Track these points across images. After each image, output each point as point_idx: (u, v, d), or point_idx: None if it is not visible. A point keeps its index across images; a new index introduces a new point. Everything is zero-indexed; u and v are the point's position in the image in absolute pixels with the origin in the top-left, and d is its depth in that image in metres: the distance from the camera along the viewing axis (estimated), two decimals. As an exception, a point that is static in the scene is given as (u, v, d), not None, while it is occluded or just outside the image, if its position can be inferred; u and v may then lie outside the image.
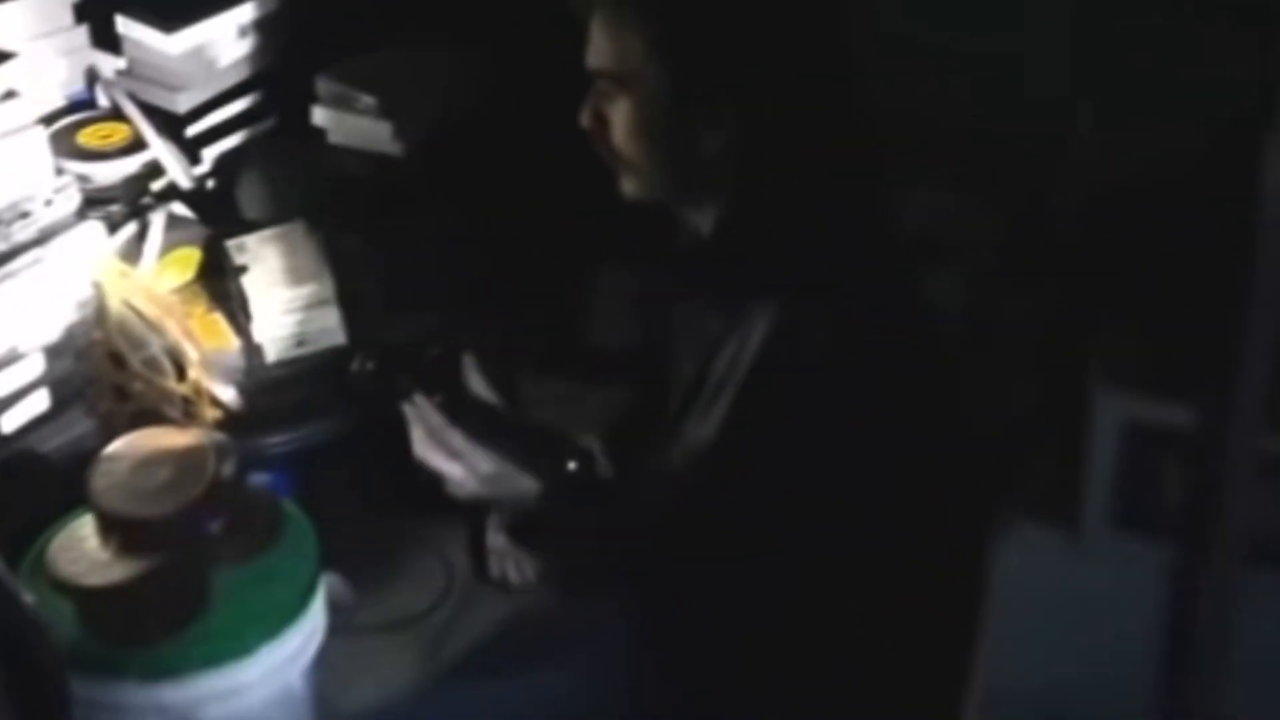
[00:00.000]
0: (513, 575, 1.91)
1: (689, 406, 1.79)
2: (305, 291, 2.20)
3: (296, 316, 2.19)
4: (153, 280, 2.19)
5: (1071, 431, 1.10)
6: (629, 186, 1.84)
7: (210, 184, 2.41)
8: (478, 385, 1.97)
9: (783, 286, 1.71)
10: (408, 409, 1.91)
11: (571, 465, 1.93)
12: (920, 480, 1.73)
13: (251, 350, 2.18)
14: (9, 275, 1.96)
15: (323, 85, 2.39)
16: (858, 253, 1.77)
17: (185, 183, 2.36)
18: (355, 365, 1.95)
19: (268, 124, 2.49)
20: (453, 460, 1.89)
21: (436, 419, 1.89)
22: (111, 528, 1.82)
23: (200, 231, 2.32)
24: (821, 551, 1.71)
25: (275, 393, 2.16)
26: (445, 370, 1.97)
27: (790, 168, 1.76)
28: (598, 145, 1.83)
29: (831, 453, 1.68)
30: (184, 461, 1.87)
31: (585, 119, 1.83)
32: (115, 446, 1.88)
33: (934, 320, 1.84)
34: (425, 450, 1.91)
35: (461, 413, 1.92)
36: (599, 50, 1.79)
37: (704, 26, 1.72)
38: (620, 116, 1.79)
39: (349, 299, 2.27)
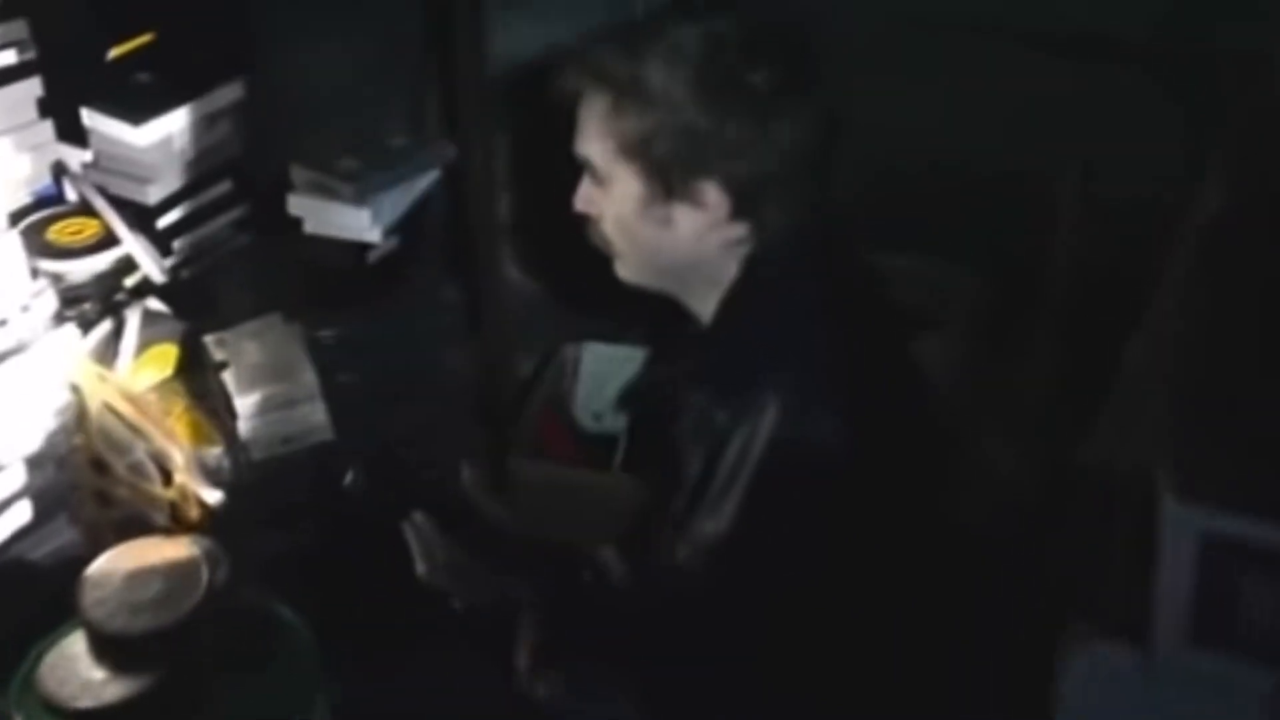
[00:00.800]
0: (541, 691, 1.84)
1: (697, 501, 1.74)
2: (289, 387, 2.14)
3: (281, 413, 2.14)
4: (130, 379, 2.12)
5: (1141, 543, 1.06)
6: (624, 271, 1.82)
7: (184, 276, 2.33)
8: (477, 494, 1.91)
9: (787, 371, 1.68)
10: (408, 529, 1.83)
11: (586, 577, 1.86)
12: (945, 571, 1.69)
13: (236, 449, 2.12)
14: (-11, 384, 1.89)
15: (297, 173, 2.33)
16: (858, 329, 1.73)
17: (158, 276, 2.30)
18: (349, 478, 1.85)
19: (240, 213, 2.42)
20: (459, 580, 1.82)
21: (439, 539, 1.82)
22: (104, 645, 1.77)
23: (176, 326, 2.26)
24: (846, 653, 1.65)
25: (262, 492, 2.09)
26: (442, 480, 1.89)
27: (783, 255, 1.73)
28: (590, 230, 1.80)
29: (852, 546, 1.64)
30: (176, 573, 1.82)
31: (578, 203, 1.80)
32: (104, 560, 1.83)
33: (937, 395, 1.80)
34: (430, 573, 1.85)
35: (464, 528, 1.84)
36: (583, 139, 1.78)
37: (677, 117, 1.69)
38: (607, 205, 1.78)
39: (333, 393, 2.21)
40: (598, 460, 2.56)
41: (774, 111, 1.67)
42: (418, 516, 1.83)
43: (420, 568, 1.84)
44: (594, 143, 1.74)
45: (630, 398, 2.46)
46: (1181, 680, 1.05)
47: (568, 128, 1.81)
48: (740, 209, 1.70)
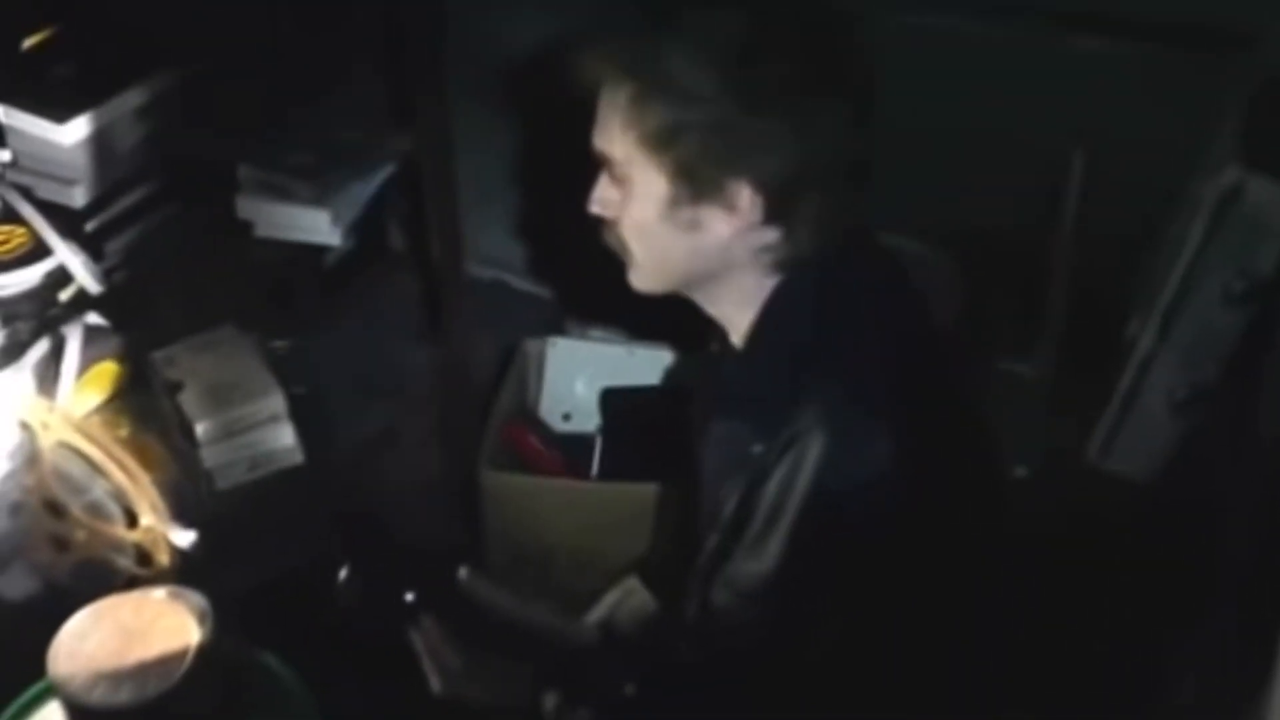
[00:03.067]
0: None
1: (735, 539, 1.62)
2: (253, 408, 1.99)
3: (246, 437, 1.98)
4: (73, 403, 1.96)
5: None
6: (640, 280, 1.67)
7: (122, 285, 2.16)
8: (482, 589, 1.71)
9: (831, 396, 1.55)
10: (417, 639, 1.62)
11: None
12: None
13: (200, 478, 1.96)
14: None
15: (246, 172, 2.17)
16: (898, 348, 1.62)
17: (94, 287, 2.12)
18: (343, 577, 1.66)
19: (178, 214, 2.25)
20: (477, 682, 1.64)
21: (450, 647, 1.63)
22: (81, 716, 1.61)
23: (118, 342, 2.09)
24: (905, 682, 1.55)
25: (233, 523, 1.95)
26: (444, 575, 1.71)
27: (821, 265, 1.60)
28: (604, 233, 1.66)
29: (907, 569, 1.52)
30: (159, 634, 1.67)
31: (593, 204, 1.66)
32: (76, 623, 1.67)
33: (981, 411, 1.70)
34: (448, 685, 1.64)
35: (474, 627, 1.66)
36: (604, 134, 1.61)
37: (709, 110, 1.54)
38: (629, 205, 1.61)
39: (295, 406, 2.06)
40: (571, 466, 2.43)
41: (811, 106, 1.53)
42: (426, 621, 1.62)
43: (435, 683, 1.64)
44: (615, 137, 1.58)
45: (620, 400, 2.35)
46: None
47: (572, 121, 1.65)
48: (774, 213, 1.56)
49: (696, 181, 1.56)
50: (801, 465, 1.55)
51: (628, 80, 1.57)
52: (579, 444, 2.46)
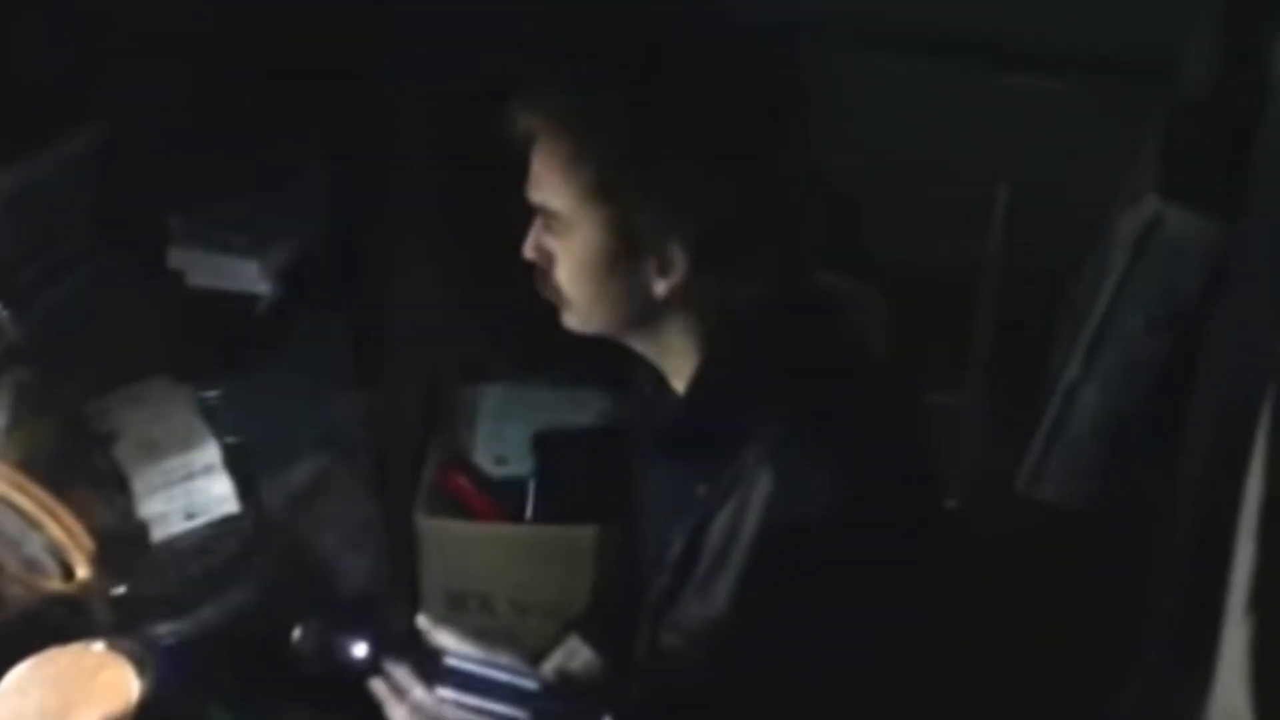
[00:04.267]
0: None
1: (681, 582, 1.62)
2: (188, 458, 1.98)
3: (182, 486, 1.97)
4: (5, 458, 1.94)
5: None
6: (573, 322, 1.67)
7: (50, 340, 2.14)
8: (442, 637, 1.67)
9: (776, 435, 1.55)
10: (378, 688, 1.57)
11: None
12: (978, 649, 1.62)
13: (135, 529, 1.95)
14: None
15: (177, 223, 2.16)
16: (840, 387, 1.63)
17: (20, 342, 2.10)
18: (299, 635, 1.63)
19: (104, 266, 2.24)
20: None
21: (419, 691, 1.54)
22: (26, 780, 1.59)
23: (48, 396, 2.07)
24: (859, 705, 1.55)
25: (169, 573, 1.93)
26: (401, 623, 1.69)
27: (762, 309, 1.61)
28: (538, 278, 1.66)
29: (858, 607, 1.53)
30: (101, 686, 1.66)
31: (529, 250, 1.66)
32: (16, 677, 1.66)
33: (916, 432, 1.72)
34: None
35: (441, 671, 1.63)
36: (540, 185, 1.62)
37: (648, 167, 1.55)
38: (563, 254, 1.62)
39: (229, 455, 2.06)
40: (507, 509, 2.43)
41: (751, 150, 1.55)
42: (390, 667, 1.55)
43: None
44: (555, 190, 1.59)
45: (553, 442, 2.35)
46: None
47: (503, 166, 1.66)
48: (709, 266, 1.57)
49: (632, 237, 1.58)
50: (748, 505, 1.55)
51: (569, 133, 1.58)
52: (514, 488, 2.45)
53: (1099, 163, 2.23)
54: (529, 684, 1.53)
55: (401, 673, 1.53)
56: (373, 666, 1.55)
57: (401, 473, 2.38)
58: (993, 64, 2.33)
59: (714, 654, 1.57)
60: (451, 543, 2.36)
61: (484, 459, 2.49)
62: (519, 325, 1.83)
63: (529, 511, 2.39)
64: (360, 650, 1.55)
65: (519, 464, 2.47)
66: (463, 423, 2.53)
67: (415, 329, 2.36)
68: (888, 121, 2.33)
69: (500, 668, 1.53)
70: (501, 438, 2.51)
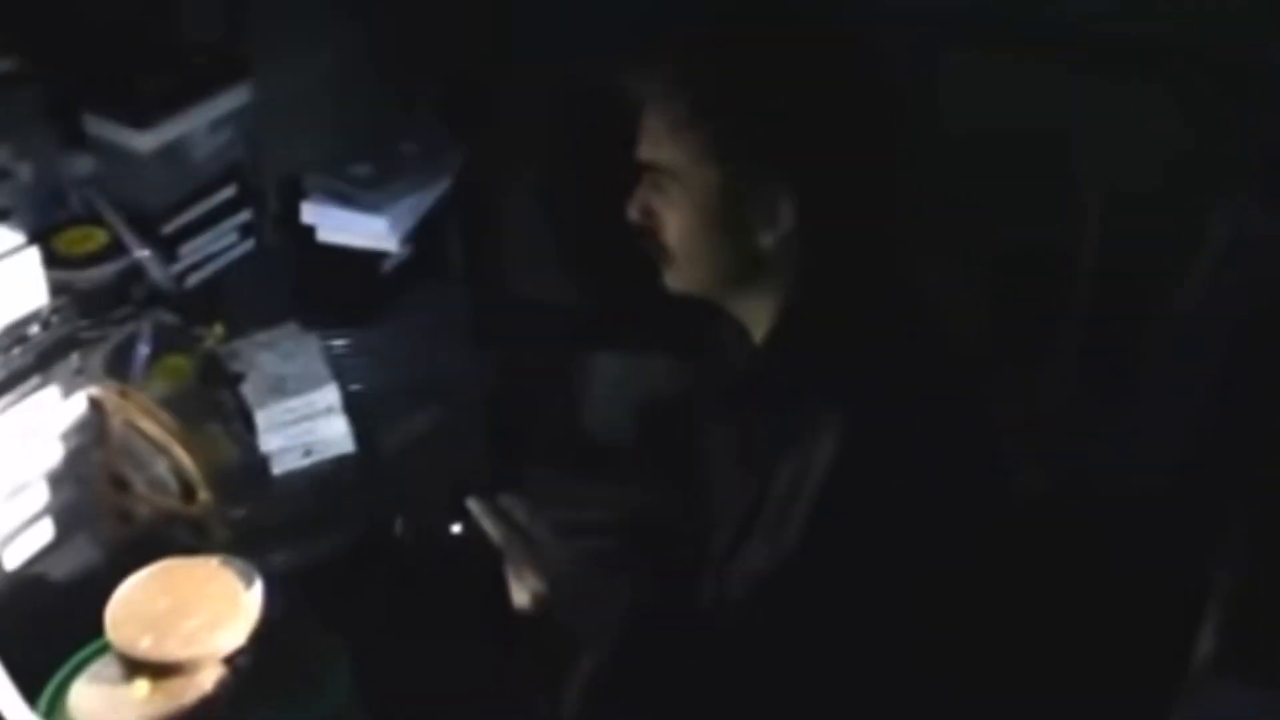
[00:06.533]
0: None
1: (749, 529, 1.69)
2: (309, 399, 2.11)
3: (301, 426, 2.10)
4: (145, 392, 2.08)
5: (1268, 585, 1.04)
6: (676, 281, 1.76)
7: (192, 285, 2.29)
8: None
9: (845, 393, 1.62)
10: (475, 507, 1.69)
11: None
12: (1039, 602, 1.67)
13: (257, 462, 2.08)
14: (11, 403, 1.84)
15: (312, 180, 2.30)
16: (916, 350, 1.70)
17: (167, 285, 2.25)
18: (400, 525, 1.77)
19: (246, 219, 2.39)
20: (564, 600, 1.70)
21: (521, 513, 1.69)
22: (137, 670, 1.73)
23: (188, 337, 2.22)
24: (902, 681, 1.62)
25: (286, 505, 2.06)
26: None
27: (848, 263, 1.69)
28: (644, 238, 1.74)
29: (912, 573, 1.60)
30: (207, 594, 1.79)
31: (633, 211, 1.74)
32: (134, 582, 1.79)
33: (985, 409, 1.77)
34: (535, 603, 1.69)
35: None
36: (653, 142, 1.70)
37: (764, 122, 1.64)
38: (673, 211, 1.70)
39: (350, 401, 2.18)
40: (612, 472, 2.52)
41: (855, 115, 1.63)
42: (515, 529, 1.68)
43: (497, 537, 1.69)
44: (668, 148, 1.67)
45: (653, 409, 2.42)
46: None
47: (613, 130, 1.74)
48: (817, 218, 1.65)
49: (744, 193, 1.65)
50: (813, 459, 1.60)
51: (686, 92, 1.66)
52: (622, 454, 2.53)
53: (1196, 158, 2.25)
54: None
55: (506, 499, 1.64)
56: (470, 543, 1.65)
57: (512, 431, 2.47)
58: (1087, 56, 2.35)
59: (775, 602, 1.63)
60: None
61: (595, 425, 2.57)
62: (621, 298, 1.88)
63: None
64: (457, 528, 1.65)
65: (628, 432, 2.53)
66: (577, 389, 2.61)
67: (533, 290, 2.44)
68: (993, 110, 2.37)
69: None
70: (613, 405, 2.58)
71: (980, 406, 1.75)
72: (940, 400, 1.67)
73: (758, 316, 1.74)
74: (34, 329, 1.91)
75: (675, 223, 1.69)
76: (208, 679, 1.74)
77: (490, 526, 1.68)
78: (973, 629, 1.68)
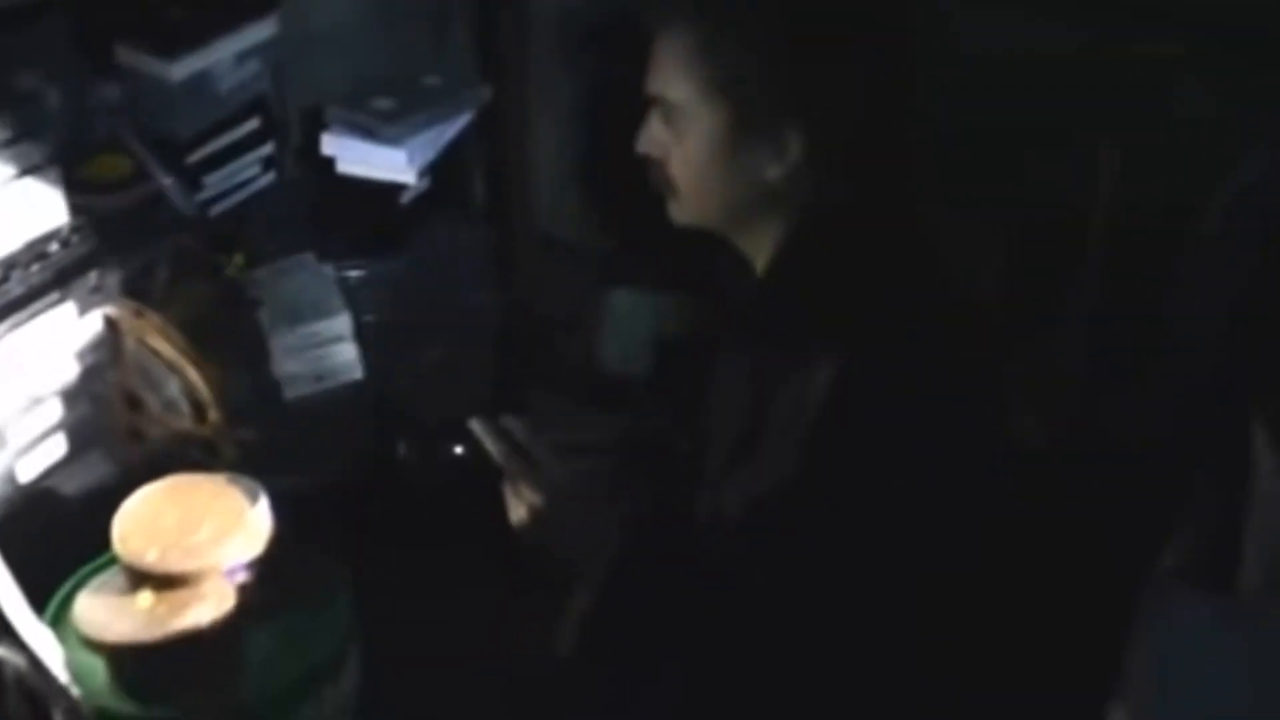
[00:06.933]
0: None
1: (745, 453, 1.72)
2: (322, 326, 2.14)
3: (314, 352, 2.14)
4: (163, 316, 2.12)
5: (1229, 494, 1.06)
6: (681, 213, 1.78)
7: (215, 214, 2.33)
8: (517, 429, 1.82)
9: (844, 324, 1.65)
10: (476, 426, 1.73)
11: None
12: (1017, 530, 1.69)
13: (269, 387, 2.12)
14: (28, 318, 1.89)
15: (333, 112, 2.33)
16: (913, 294, 1.72)
17: (190, 213, 2.29)
18: (404, 448, 1.82)
19: (269, 150, 2.42)
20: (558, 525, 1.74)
21: (520, 431, 1.73)
22: (142, 582, 1.77)
23: (208, 264, 2.26)
24: (912, 609, 1.65)
25: (295, 429, 2.10)
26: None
27: (852, 198, 1.70)
28: (651, 171, 1.77)
29: (903, 506, 1.62)
30: (214, 510, 1.83)
31: (642, 144, 1.76)
32: (141, 496, 1.84)
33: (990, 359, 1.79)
34: (529, 529, 1.74)
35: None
36: (661, 77, 1.72)
37: (773, 58, 1.65)
38: (680, 144, 1.72)
39: (360, 332, 2.22)
40: (625, 404, 2.55)
41: (868, 56, 1.65)
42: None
43: (496, 455, 1.73)
44: (677, 81, 1.69)
45: (664, 342, 2.45)
46: (1269, 633, 1.06)
47: (624, 67, 1.77)
48: (819, 158, 1.67)
49: (752, 126, 1.67)
50: (810, 389, 1.62)
51: (696, 25, 1.67)
52: (636, 386, 2.55)
53: (1214, 121, 2.25)
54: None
55: (508, 419, 1.68)
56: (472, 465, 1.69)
57: (522, 363, 2.50)
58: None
59: (769, 528, 1.65)
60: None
61: (610, 359, 2.60)
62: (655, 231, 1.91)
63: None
64: (459, 449, 1.69)
65: (643, 366, 2.56)
66: (592, 323, 2.64)
67: (550, 225, 2.46)
68: (1014, 77, 2.37)
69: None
70: (628, 340, 2.61)
71: (982, 351, 1.76)
72: (939, 340, 1.69)
73: (760, 248, 1.76)
74: (53, 246, 1.93)
75: (681, 156, 1.71)
76: (210, 593, 1.76)
77: (491, 445, 1.71)
78: (966, 566, 1.69)
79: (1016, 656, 1.74)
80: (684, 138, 1.71)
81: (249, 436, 2.02)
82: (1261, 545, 1.03)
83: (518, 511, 1.73)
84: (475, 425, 1.72)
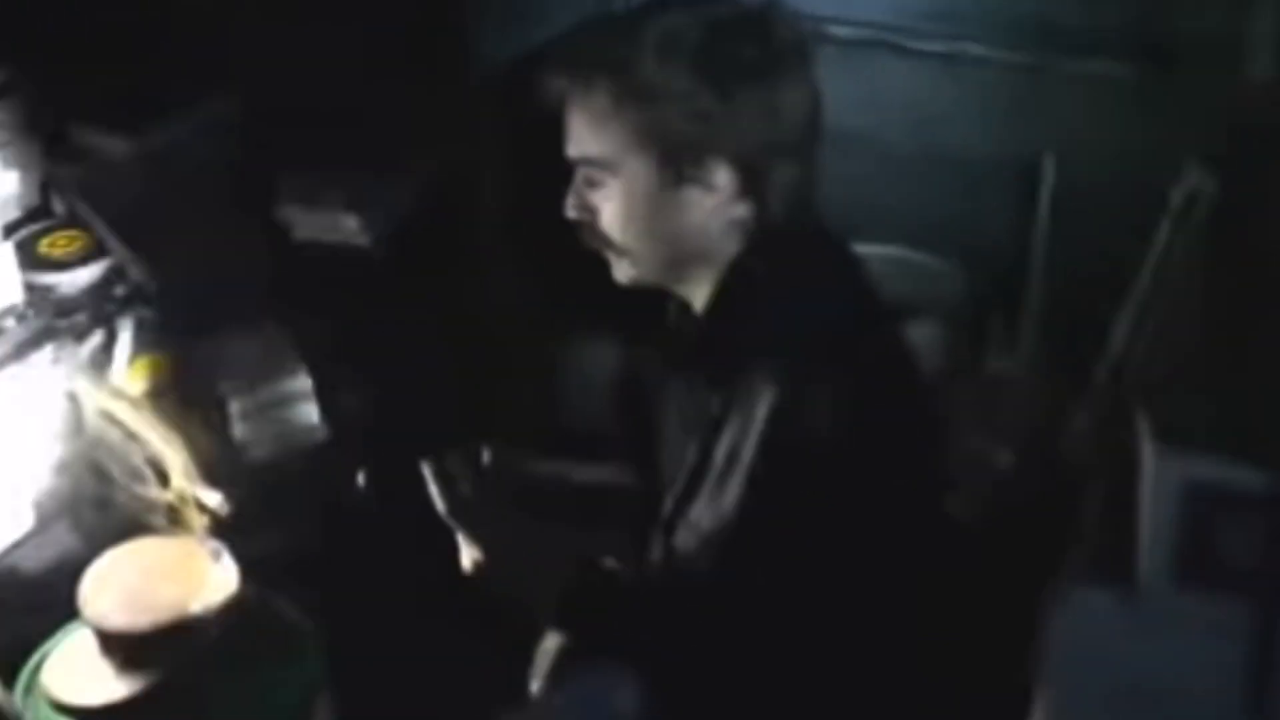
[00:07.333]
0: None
1: (694, 489, 1.75)
2: (282, 387, 2.17)
3: (275, 413, 2.16)
4: (125, 387, 2.15)
5: (1123, 491, 1.09)
6: (622, 272, 1.81)
7: (173, 284, 2.35)
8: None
9: (783, 355, 1.68)
10: (428, 470, 1.75)
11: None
12: (951, 548, 1.72)
13: (232, 451, 2.14)
14: (-11, 393, 1.92)
15: (286, 180, 2.37)
16: (847, 314, 1.75)
17: (148, 286, 2.32)
18: (360, 480, 1.84)
19: (226, 219, 2.45)
20: (481, 518, 1.77)
21: (465, 485, 1.76)
22: (109, 643, 1.80)
23: (167, 333, 2.28)
24: (854, 629, 1.68)
25: (260, 492, 2.12)
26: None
27: (783, 234, 1.74)
28: (585, 234, 1.80)
29: (853, 528, 1.66)
30: (178, 570, 1.85)
31: (571, 209, 1.79)
32: (106, 559, 1.86)
33: (931, 386, 1.82)
34: (452, 510, 1.75)
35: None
36: (579, 139, 1.76)
37: (685, 107, 1.70)
38: (608, 203, 1.76)
39: (324, 393, 2.24)
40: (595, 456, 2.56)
41: (775, 84, 1.69)
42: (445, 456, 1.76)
43: (442, 504, 1.75)
44: (596, 141, 1.73)
45: (614, 389, 2.48)
46: (1167, 621, 1.09)
47: (549, 129, 1.79)
48: (747, 188, 1.71)
49: (679, 168, 1.70)
50: (753, 417, 1.66)
51: (604, 87, 1.71)
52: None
53: (1146, 137, 2.30)
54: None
55: (456, 462, 1.71)
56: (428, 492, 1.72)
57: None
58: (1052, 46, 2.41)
59: (721, 556, 1.69)
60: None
61: (576, 411, 2.62)
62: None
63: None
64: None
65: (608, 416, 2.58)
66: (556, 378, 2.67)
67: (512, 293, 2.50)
68: (951, 105, 2.42)
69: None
70: (592, 391, 2.63)
71: (915, 370, 1.79)
72: (876, 362, 1.73)
73: (700, 292, 1.79)
74: (9, 322, 1.96)
75: (612, 212, 1.75)
76: (179, 654, 1.77)
77: (437, 493, 1.73)
78: (908, 575, 1.73)
79: (964, 657, 1.76)
80: (612, 194, 1.74)
81: (213, 501, 2.03)
82: (1152, 534, 1.06)
83: (470, 554, 1.75)
84: (425, 468, 1.74)
